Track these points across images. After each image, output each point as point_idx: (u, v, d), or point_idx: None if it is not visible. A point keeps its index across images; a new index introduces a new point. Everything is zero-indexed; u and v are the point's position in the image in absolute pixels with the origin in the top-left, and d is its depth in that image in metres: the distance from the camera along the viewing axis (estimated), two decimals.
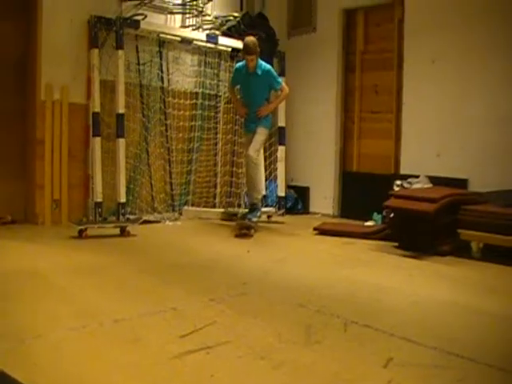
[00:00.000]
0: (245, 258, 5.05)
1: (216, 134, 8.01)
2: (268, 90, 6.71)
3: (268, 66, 6.59)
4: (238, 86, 6.90)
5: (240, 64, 6.74)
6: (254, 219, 6.36)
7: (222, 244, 5.73)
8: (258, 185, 6.61)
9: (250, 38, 6.47)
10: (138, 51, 7.17)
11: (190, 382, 2.39)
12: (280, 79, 6.76)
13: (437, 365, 2.64)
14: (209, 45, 7.67)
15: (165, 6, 7.41)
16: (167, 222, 6.96)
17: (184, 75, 7.67)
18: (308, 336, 2.99)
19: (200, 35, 7.57)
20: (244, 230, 6.07)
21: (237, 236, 6.00)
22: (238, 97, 7.04)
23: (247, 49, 6.33)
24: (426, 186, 6.13)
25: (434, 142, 6.68)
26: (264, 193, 7.15)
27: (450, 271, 4.69)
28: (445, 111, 6.59)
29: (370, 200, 6.66)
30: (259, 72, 6.47)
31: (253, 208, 6.57)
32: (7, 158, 6.49)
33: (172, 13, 7.51)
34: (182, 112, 7.54)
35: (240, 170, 8.09)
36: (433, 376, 2.53)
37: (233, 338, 2.92)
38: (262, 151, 6.90)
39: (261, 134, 6.59)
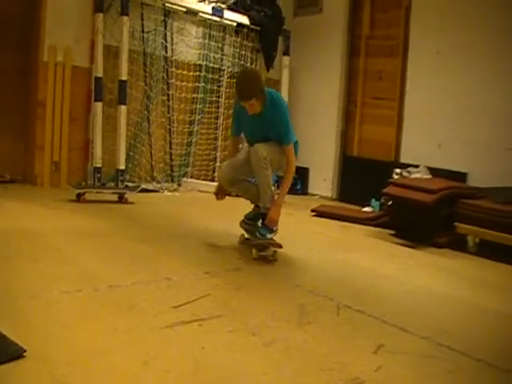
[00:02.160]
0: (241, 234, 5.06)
1: (218, 107, 7.98)
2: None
3: (281, 105, 4.37)
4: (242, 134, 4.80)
5: (239, 105, 4.40)
6: (269, 235, 4.24)
7: (219, 218, 5.72)
8: (270, 188, 4.38)
9: (244, 75, 4.54)
10: (142, 19, 7.09)
11: (181, 353, 2.39)
12: (292, 133, 4.39)
13: (427, 355, 2.65)
14: (214, 18, 7.58)
15: None
16: (165, 192, 6.96)
17: (188, 46, 7.61)
18: (301, 316, 3.00)
19: (206, 8, 7.47)
20: (263, 253, 4.23)
21: (256, 259, 4.19)
22: (240, 146, 5.12)
23: (241, 94, 4.20)
24: (425, 176, 6.13)
25: (435, 133, 6.67)
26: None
27: (445, 263, 4.71)
28: (448, 103, 6.57)
29: (368, 185, 6.66)
30: (267, 112, 4.28)
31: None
32: (8, 118, 6.46)
33: None
34: (184, 83, 7.50)
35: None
36: (422, 365, 2.53)
37: (226, 312, 2.93)
38: None
39: (285, 157, 4.41)
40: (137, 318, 2.73)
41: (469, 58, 6.34)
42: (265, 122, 4.32)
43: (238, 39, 7.97)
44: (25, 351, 2.19)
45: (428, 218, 5.24)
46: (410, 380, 2.37)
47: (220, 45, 7.89)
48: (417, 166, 6.35)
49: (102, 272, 3.45)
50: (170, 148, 7.50)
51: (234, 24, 7.85)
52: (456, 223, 5.23)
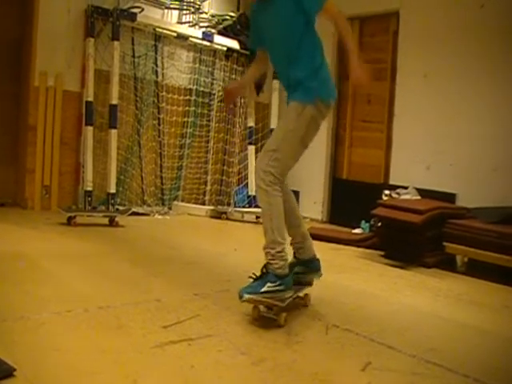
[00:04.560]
0: (231, 256, 5.08)
1: (208, 131, 8.05)
2: (296, 18, 3.21)
3: None
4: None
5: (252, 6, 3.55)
6: (263, 289, 3.07)
7: (210, 241, 5.74)
8: (274, 228, 3.16)
9: None
10: (133, 44, 7.19)
11: (171, 371, 2.41)
12: None
13: (415, 372, 2.67)
14: (204, 42, 7.70)
15: (162, 0, 7.44)
16: (156, 216, 6.97)
17: (178, 71, 7.70)
18: (289, 336, 3.02)
19: (196, 32, 7.59)
20: (262, 312, 3.24)
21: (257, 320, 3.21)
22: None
23: None
24: (414, 197, 6.18)
25: (424, 155, 6.73)
26: (283, 243, 3.19)
27: (434, 283, 4.73)
28: (435, 125, 6.64)
29: (358, 208, 6.69)
30: None
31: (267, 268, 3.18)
32: None
33: (169, 8, 7.54)
34: (175, 107, 7.57)
35: (231, 169, 8.12)
36: (410, 382, 2.55)
37: (215, 332, 2.94)
38: (281, 168, 3.21)
39: (280, 126, 3.41)
40: (126, 338, 2.74)
41: (455, 81, 6.43)
42: (274, 7, 3.25)
43: (228, 63, 8.06)
44: (14, 370, 2.20)
45: (417, 238, 5.28)
46: None
47: (210, 69, 7.98)
48: (406, 188, 6.40)
49: (92, 293, 3.46)
50: (161, 171, 7.54)
51: (224, 48, 7.95)
52: (445, 243, 5.27)
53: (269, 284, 3.07)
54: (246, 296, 3.04)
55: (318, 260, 3.67)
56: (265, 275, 3.14)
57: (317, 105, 3.23)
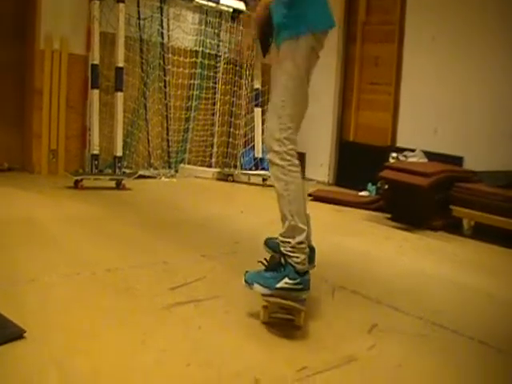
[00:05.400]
0: (237, 218, 5.10)
1: (215, 93, 8.00)
2: None
3: None
4: None
5: None
6: (279, 284, 2.57)
7: (216, 203, 5.76)
8: (291, 207, 2.69)
9: None
10: (138, 5, 7.08)
11: (178, 333, 2.44)
12: None
13: (420, 334, 2.69)
14: (210, 4, 7.57)
15: None
16: (163, 179, 6.98)
17: (184, 33, 7.61)
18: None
19: None
20: (279, 314, 2.69)
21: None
22: None
23: None
24: (421, 160, 6.15)
25: (431, 118, 6.68)
26: (304, 229, 2.67)
27: (440, 246, 4.74)
28: (443, 88, 6.57)
29: (365, 170, 6.66)
30: None
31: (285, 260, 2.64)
32: (5, 107, 6.45)
33: None
34: (181, 69, 7.50)
35: (237, 132, 8.10)
36: (416, 344, 2.58)
37: (222, 293, 2.96)
38: (295, 122, 2.85)
39: (279, 75, 2.87)
40: (134, 300, 2.77)
41: (464, 43, 6.33)
42: None
43: (235, 25, 7.96)
44: (24, 332, 2.23)
45: (423, 201, 5.28)
46: (402, 358, 2.41)
47: (216, 31, 7.88)
48: (413, 151, 6.37)
49: (100, 256, 3.49)
50: (167, 134, 7.52)
51: (231, 10, 7.84)
52: (452, 206, 5.26)
53: (287, 280, 2.55)
54: (259, 288, 2.60)
55: (313, 250, 2.99)
56: (281, 267, 2.60)
57: (307, 35, 2.74)
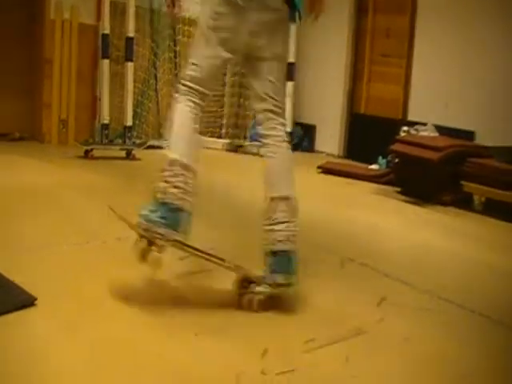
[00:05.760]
0: (244, 190, 5.08)
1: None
2: None
3: None
4: None
5: None
6: (142, 212, 2.52)
7: (225, 174, 5.74)
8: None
9: None
10: None
11: (189, 301, 2.49)
12: None
13: (427, 308, 2.71)
14: None
15: None
16: None
17: (195, 3, 7.50)
18: (305, 269, 3.04)
19: None
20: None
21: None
22: None
23: None
24: (432, 134, 6.11)
25: (443, 92, 6.60)
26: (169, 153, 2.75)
27: (450, 221, 4.73)
28: (456, 62, 6.47)
29: (375, 143, 6.63)
30: None
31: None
32: (15, 77, 6.42)
33: None
34: (191, 39, 7.44)
35: (247, 103, 8.05)
36: (422, 317, 2.60)
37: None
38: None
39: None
40: (145, 268, 2.78)
41: (479, 15, 6.22)
42: None
43: None
44: (35, 299, 2.25)
45: (434, 175, 5.25)
46: (409, 331, 2.43)
47: None
48: (424, 124, 6.32)
49: (110, 225, 3.47)
50: None
51: None
52: (462, 182, 5.23)
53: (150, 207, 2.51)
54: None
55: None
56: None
57: None
